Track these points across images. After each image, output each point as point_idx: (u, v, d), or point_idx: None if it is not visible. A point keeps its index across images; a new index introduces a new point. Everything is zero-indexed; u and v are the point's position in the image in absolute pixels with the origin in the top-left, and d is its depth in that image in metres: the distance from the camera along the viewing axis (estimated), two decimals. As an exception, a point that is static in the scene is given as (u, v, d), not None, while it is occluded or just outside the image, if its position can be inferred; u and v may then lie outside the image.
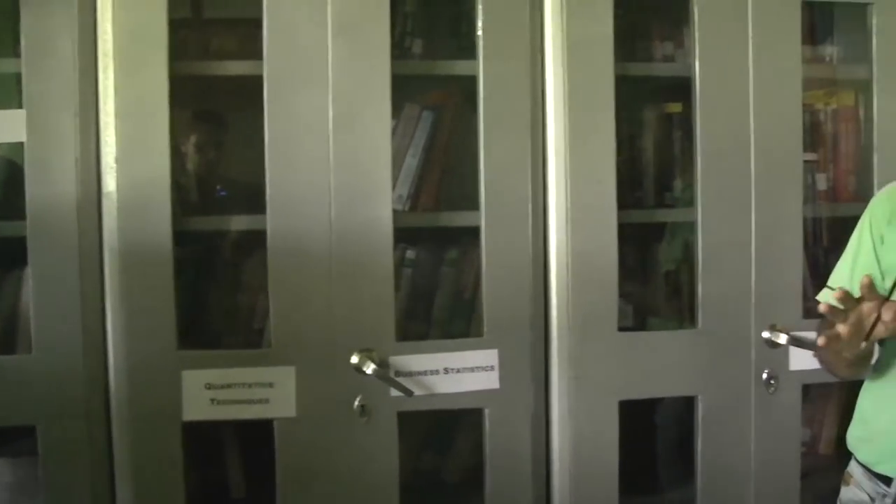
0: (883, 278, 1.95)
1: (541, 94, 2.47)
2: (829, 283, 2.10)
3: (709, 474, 2.59)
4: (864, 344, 1.77)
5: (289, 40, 2.33)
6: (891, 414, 2.00)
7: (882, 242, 2.00)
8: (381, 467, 2.40)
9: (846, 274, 2.04)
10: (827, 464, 2.76)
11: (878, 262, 1.99)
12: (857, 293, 1.89)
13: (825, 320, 1.98)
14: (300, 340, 2.33)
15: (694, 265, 2.57)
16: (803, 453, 2.72)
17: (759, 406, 2.60)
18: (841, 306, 1.74)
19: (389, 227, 2.37)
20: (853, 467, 2.08)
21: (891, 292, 1.77)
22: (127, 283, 2.26)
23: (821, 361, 2.12)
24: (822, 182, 2.84)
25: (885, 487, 1.99)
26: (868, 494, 2.03)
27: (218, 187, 2.67)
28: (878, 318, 1.75)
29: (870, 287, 1.75)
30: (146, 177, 2.26)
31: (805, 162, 2.67)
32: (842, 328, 1.75)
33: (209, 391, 2.29)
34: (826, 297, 2.04)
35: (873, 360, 2.03)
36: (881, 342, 1.97)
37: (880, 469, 2.00)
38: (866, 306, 1.76)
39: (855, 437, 2.10)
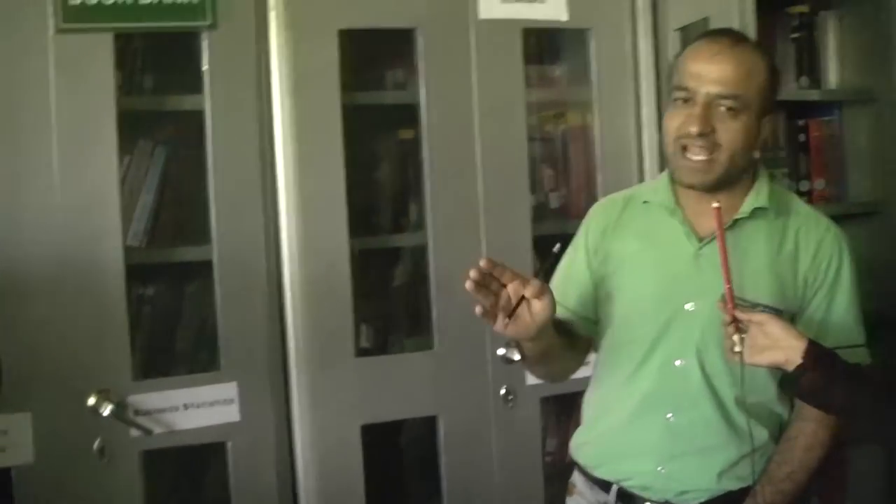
0: (595, 288, 2.36)
1: (268, 124, 2.83)
2: None
3: (454, 491, 3.01)
4: (507, 324, 2.07)
5: (10, 78, 2.60)
6: (609, 420, 2.37)
7: (596, 254, 2.39)
8: None
9: (558, 282, 2.37)
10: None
11: (591, 272, 2.38)
12: (569, 304, 2.33)
13: None
14: (34, 385, 2.58)
15: (428, 288, 3.00)
16: (549, 461, 3.18)
17: (499, 421, 3.04)
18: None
19: (121, 264, 2.67)
20: (576, 477, 2.47)
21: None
22: None
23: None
24: (555, 200, 3.33)
25: (605, 495, 2.36)
26: (589, 503, 2.42)
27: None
28: (523, 298, 2.06)
29: (493, 265, 2.07)
30: None
31: (539, 181, 3.18)
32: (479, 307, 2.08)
33: None
34: None
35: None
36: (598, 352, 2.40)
37: (599, 473, 2.37)
38: (511, 287, 2.08)
39: (577, 442, 2.47)
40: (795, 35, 3.63)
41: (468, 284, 2.03)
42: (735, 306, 2.08)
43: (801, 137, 3.65)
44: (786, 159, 3.60)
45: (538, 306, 2.08)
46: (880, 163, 3.65)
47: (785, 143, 3.61)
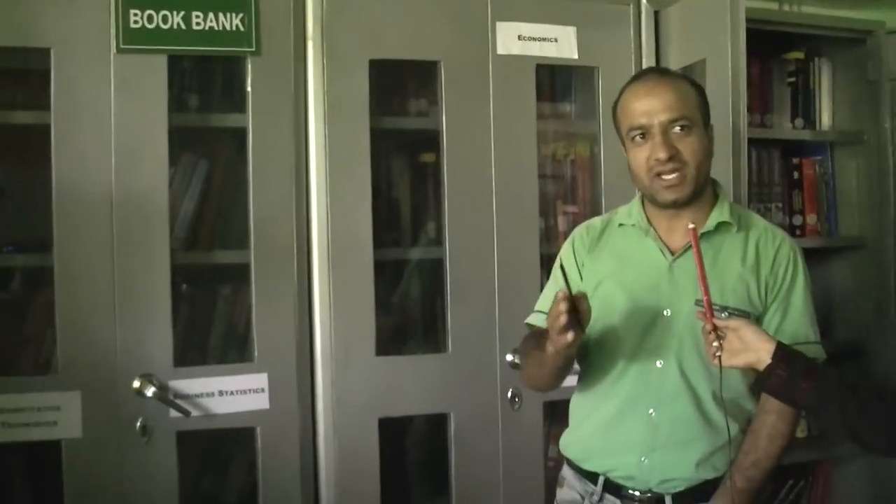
0: (589, 298, 2.61)
1: (304, 144, 3.13)
2: (536, 307, 2.74)
3: (462, 484, 3.27)
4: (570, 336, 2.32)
5: (75, 93, 2.90)
6: (595, 420, 2.58)
7: (584, 267, 2.65)
8: (162, 485, 2.95)
9: (549, 297, 2.61)
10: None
11: (580, 286, 2.58)
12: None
13: (528, 338, 2.69)
14: (85, 367, 2.87)
15: (444, 297, 3.27)
16: (551, 466, 3.40)
17: (506, 421, 3.30)
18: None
19: (167, 263, 2.96)
20: (565, 470, 2.71)
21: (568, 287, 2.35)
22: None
23: (525, 373, 2.77)
24: (562, 224, 3.60)
25: (592, 486, 2.57)
26: (579, 494, 2.61)
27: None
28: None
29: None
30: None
31: (548, 205, 3.46)
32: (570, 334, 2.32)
33: (0, 415, 2.81)
34: (533, 320, 2.73)
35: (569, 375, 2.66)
36: (582, 360, 2.64)
37: (587, 466, 2.58)
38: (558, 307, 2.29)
39: (566, 440, 2.72)
40: (791, 79, 3.92)
41: (563, 318, 2.29)
42: (712, 311, 2.34)
43: (795, 175, 3.94)
44: (780, 195, 3.88)
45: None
46: (868, 200, 3.94)
47: (779, 179, 3.89)
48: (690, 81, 2.60)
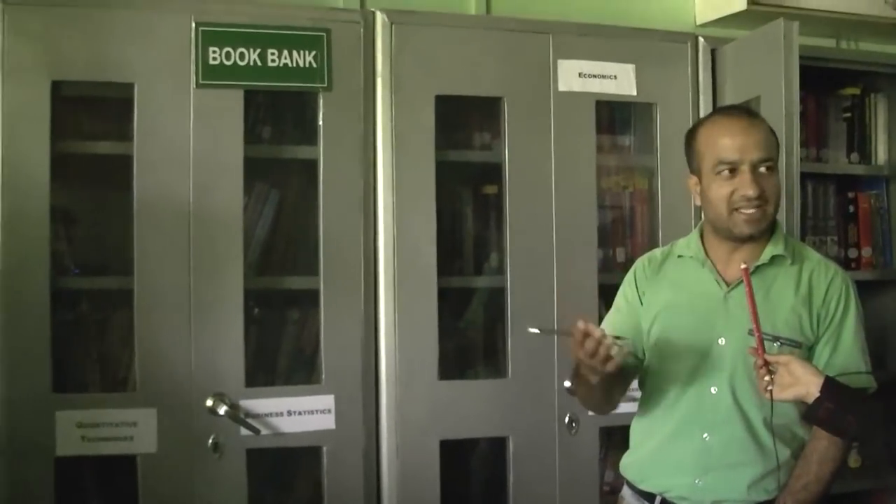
0: (649, 326, 2.70)
1: (372, 176, 3.25)
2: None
3: (520, 505, 3.37)
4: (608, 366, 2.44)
5: (156, 125, 3.05)
6: (652, 442, 2.69)
7: (644, 295, 2.75)
8: (232, 500, 3.07)
9: (615, 321, 2.77)
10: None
11: (641, 312, 2.73)
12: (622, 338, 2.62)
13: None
14: (161, 385, 3.00)
15: (505, 324, 3.39)
16: (606, 492, 3.50)
17: (563, 446, 3.39)
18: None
19: (240, 288, 3.10)
20: (625, 491, 2.81)
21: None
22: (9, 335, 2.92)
23: (578, 396, 2.86)
24: (620, 255, 3.69)
25: None
26: None
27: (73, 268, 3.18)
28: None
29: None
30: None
31: (607, 237, 3.56)
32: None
33: (80, 429, 2.95)
34: None
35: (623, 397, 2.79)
36: (642, 384, 2.76)
37: (644, 486, 2.68)
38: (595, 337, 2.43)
39: (626, 461, 2.81)
40: (847, 115, 3.99)
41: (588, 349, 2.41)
42: (763, 347, 2.44)
43: (850, 209, 4.00)
44: (835, 228, 3.95)
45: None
46: (922, 233, 3.96)
47: (834, 213, 3.95)
48: (769, 126, 2.70)
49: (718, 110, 2.83)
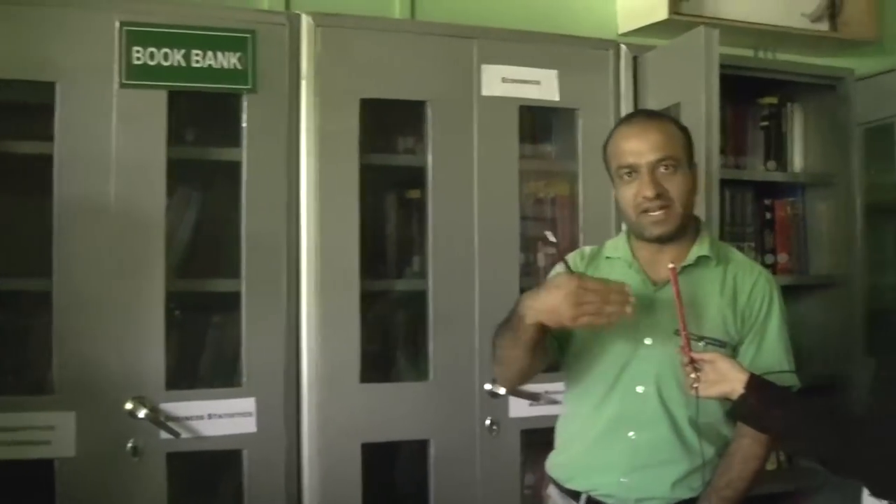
0: None
1: (296, 179, 3.25)
2: None
3: (441, 508, 3.39)
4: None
5: (77, 125, 3.02)
6: (580, 442, 2.74)
7: None
8: None
9: None
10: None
11: None
12: None
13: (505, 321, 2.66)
14: (80, 388, 2.97)
15: (427, 327, 3.40)
16: (527, 494, 3.54)
17: (484, 448, 3.41)
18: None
19: (162, 290, 3.08)
20: (551, 490, 2.85)
21: None
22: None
23: (499, 357, 2.72)
24: (542, 258, 3.72)
25: (574, 503, 2.74)
26: None
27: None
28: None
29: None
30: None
31: (528, 241, 3.59)
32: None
33: None
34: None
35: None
36: (568, 385, 2.79)
37: (571, 485, 2.73)
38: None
39: (553, 461, 2.85)
40: (765, 123, 4.08)
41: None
42: (690, 345, 2.49)
43: (768, 215, 4.10)
44: (753, 235, 4.04)
45: None
46: (838, 240, 4.10)
47: (752, 219, 4.04)
48: (677, 123, 2.76)
49: (623, 117, 2.87)
